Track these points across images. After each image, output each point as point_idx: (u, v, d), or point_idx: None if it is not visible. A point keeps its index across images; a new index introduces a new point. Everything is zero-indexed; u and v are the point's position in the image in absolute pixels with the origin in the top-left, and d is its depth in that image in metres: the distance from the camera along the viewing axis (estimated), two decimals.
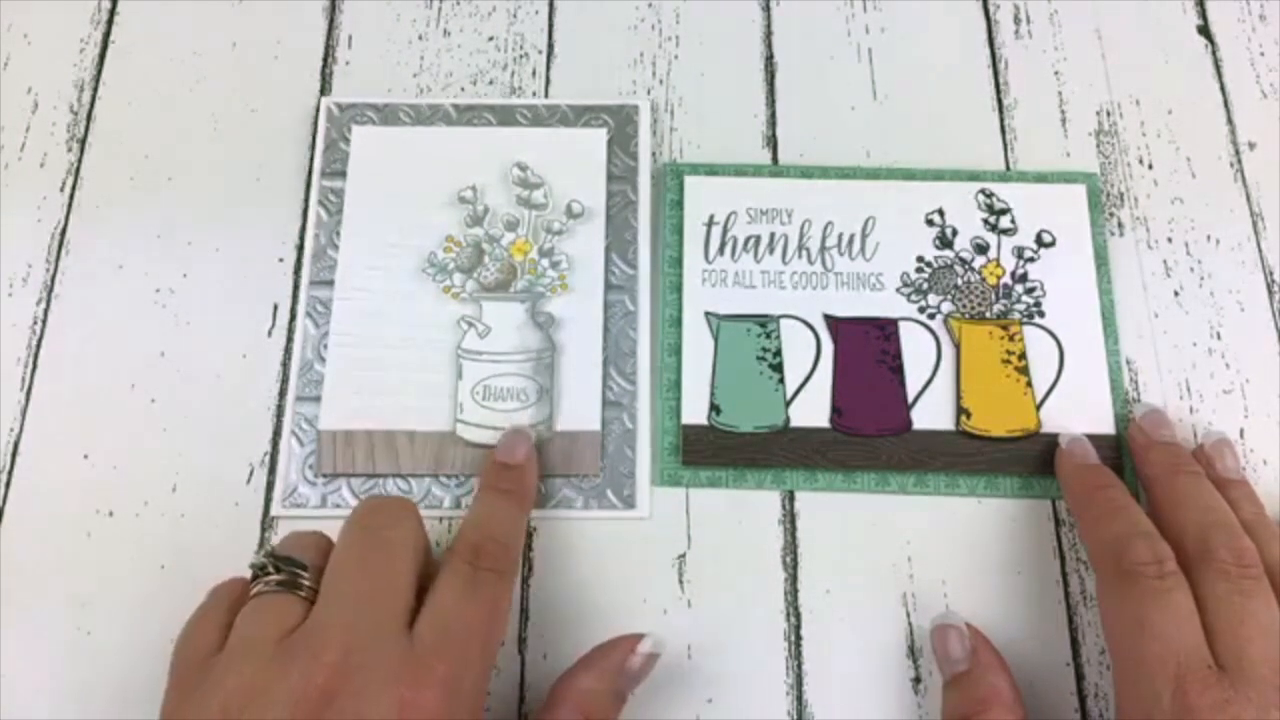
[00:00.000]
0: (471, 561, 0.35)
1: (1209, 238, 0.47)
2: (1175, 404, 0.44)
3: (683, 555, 0.42)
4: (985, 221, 0.46)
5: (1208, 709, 0.32)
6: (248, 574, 0.36)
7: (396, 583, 0.34)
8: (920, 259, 0.46)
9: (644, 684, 0.38)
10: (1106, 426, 0.43)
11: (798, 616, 0.41)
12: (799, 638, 0.40)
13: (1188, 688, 0.33)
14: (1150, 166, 0.48)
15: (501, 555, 0.36)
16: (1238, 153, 0.48)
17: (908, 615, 0.41)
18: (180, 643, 0.34)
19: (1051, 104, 0.49)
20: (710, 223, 0.46)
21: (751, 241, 0.46)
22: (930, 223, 0.46)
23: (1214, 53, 0.51)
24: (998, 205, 0.46)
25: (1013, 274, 0.45)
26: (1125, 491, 0.39)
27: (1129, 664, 0.35)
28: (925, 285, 0.45)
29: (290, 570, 0.34)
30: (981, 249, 0.46)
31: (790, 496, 0.42)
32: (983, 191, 0.47)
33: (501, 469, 0.40)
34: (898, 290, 0.45)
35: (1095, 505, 0.39)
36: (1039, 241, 0.46)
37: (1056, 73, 0.50)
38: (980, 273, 0.45)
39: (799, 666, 0.40)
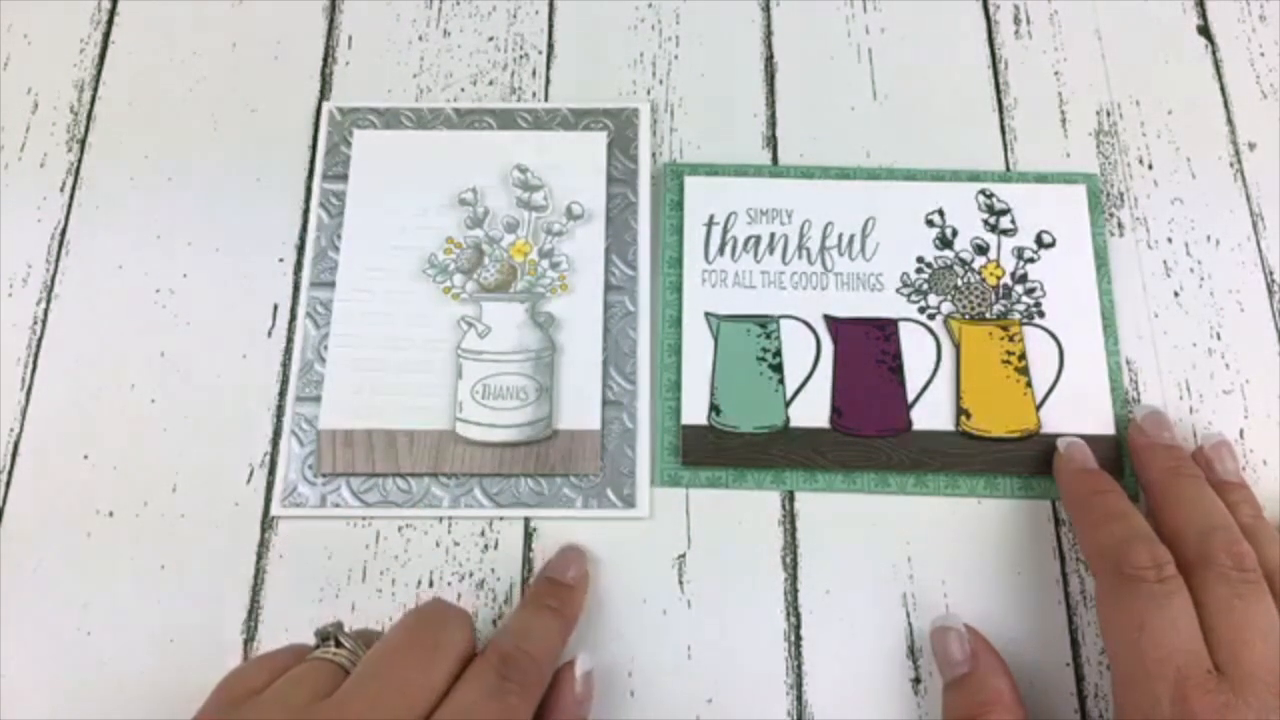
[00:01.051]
0: (499, 670, 0.34)
1: (1209, 238, 0.47)
2: (1175, 404, 0.44)
3: (683, 555, 0.42)
4: (985, 222, 0.46)
5: (1207, 713, 0.32)
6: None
7: (429, 682, 0.33)
8: (920, 259, 0.46)
9: (641, 685, 0.39)
10: (1106, 427, 0.43)
11: (798, 616, 0.41)
12: (799, 638, 0.40)
13: (1187, 691, 0.33)
14: (1150, 166, 0.48)
15: (531, 671, 0.35)
16: (1238, 153, 0.48)
17: (908, 615, 0.41)
18: (231, 674, 0.34)
19: (1051, 104, 0.49)
20: (710, 223, 0.46)
21: (751, 242, 0.46)
22: (930, 223, 0.46)
23: (1214, 53, 0.51)
24: (998, 206, 0.46)
25: (1013, 274, 0.45)
26: (1123, 496, 0.39)
27: (1128, 668, 0.35)
28: (925, 286, 0.45)
29: (354, 654, 0.34)
30: (981, 249, 0.46)
31: (790, 497, 0.42)
32: (983, 192, 0.47)
33: (550, 584, 0.40)
34: (897, 291, 0.45)
35: (1093, 510, 0.39)
36: (1039, 242, 0.46)
37: (1056, 73, 0.50)
38: (980, 273, 0.45)
39: (799, 666, 0.40)
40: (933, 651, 0.39)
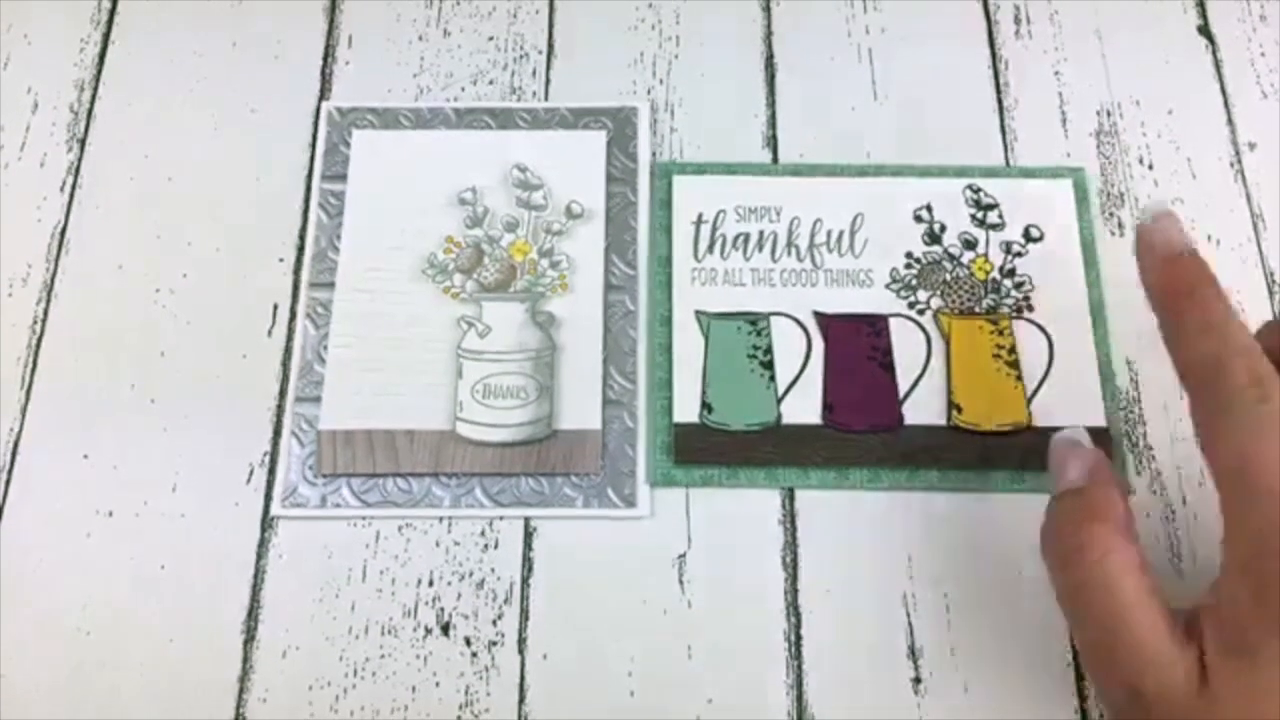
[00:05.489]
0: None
1: (1209, 238, 0.47)
2: (1175, 404, 0.44)
3: (683, 555, 0.42)
4: (973, 217, 0.46)
5: None
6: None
7: None
8: (909, 255, 0.46)
9: (641, 685, 0.39)
10: (1097, 419, 0.43)
11: (798, 616, 0.41)
12: (799, 638, 0.40)
13: None
14: (1150, 166, 0.48)
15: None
16: (1238, 153, 0.48)
17: (908, 615, 0.41)
18: None
19: (1051, 104, 0.49)
20: (699, 221, 0.46)
21: (740, 239, 0.46)
22: (918, 219, 0.46)
23: (1214, 53, 0.51)
24: (985, 200, 0.46)
25: (1001, 269, 0.45)
26: (1219, 293, 0.34)
27: (1236, 497, 0.31)
28: (914, 281, 0.45)
29: None
30: (970, 244, 0.46)
31: (790, 496, 0.42)
32: (970, 187, 0.47)
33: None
34: (887, 286, 0.45)
35: (1184, 314, 0.34)
36: (1027, 236, 0.46)
37: (1056, 73, 0.50)
38: (969, 268, 0.45)
39: (799, 666, 0.40)
40: (1049, 460, 0.37)
